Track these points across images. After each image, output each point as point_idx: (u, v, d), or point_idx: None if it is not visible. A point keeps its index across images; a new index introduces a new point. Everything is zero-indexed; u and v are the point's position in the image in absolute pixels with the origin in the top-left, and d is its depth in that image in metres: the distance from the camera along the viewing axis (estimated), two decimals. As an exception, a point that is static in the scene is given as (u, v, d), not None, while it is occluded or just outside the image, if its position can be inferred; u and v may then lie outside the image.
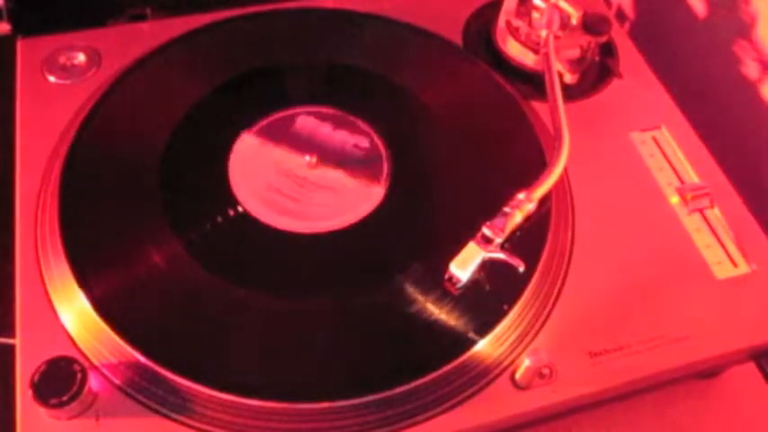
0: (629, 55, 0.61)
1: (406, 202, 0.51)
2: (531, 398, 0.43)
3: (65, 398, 0.39)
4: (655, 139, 0.56)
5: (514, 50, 0.58)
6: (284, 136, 0.53)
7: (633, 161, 0.54)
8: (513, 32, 0.58)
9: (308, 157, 0.52)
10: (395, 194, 0.51)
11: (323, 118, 0.54)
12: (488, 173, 0.52)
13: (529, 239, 0.47)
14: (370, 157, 0.53)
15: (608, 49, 0.61)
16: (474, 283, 0.45)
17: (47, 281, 0.45)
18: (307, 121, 0.54)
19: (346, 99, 0.56)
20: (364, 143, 0.53)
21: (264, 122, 0.53)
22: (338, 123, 0.54)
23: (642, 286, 0.48)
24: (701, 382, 0.53)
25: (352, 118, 0.54)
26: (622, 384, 0.45)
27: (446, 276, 0.45)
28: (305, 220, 0.49)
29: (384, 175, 0.52)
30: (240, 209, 0.49)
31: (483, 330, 0.44)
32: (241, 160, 0.51)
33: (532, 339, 0.45)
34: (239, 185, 0.50)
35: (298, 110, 0.55)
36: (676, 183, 0.53)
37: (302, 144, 0.53)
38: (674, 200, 0.52)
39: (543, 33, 0.56)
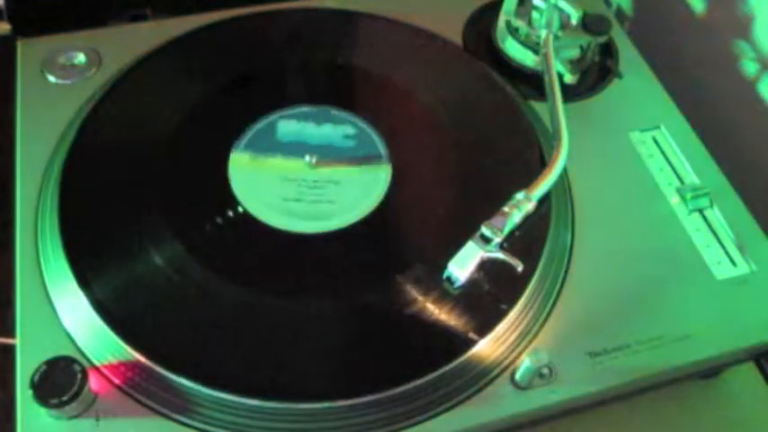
0: (629, 55, 0.61)
1: (406, 202, 0.51)
2: (531, 398, 0.43)
3: (65, 398, 0.39)
4: (654, 139, 0.56)
5: (514, 50, 0.58)
6: (274, 143, 0.53)
7: (633, 161, 0.54)
8: (513, 32, 0.58)
9: (307, 158, 0.52)
10: (395, 194, 0.51)
11: (301, 117, 0.54)
12: (488, 173, 0.52)
13: (529, 239, 0.47)
14: (362, 141, 0.53)
15: (608, 49, 0.61)
16: (474, 283, 0.45)
17: (47, 281, 0.45)
18: (287, 124, 0.54)
19: (346, 99, 0.56)
20: (351, 130, 0.53)
21: (250, 136, 0.53)
22: (319, 119, 0.54)
23: (642, 286, 0.48)
24: (701, 382, 0.53)
25: (330, 110, 0.55)
26: (622, 384, 0.45)
27: (444, 276, 0.45)
28: (329, 219, 0.49)
29: (383, 152, 0.52)
30: (240, 209, 0.49)
31: (483, 330, 0.44)
32: (244, 181, 0.51)
33: (532, 339, 0.45)
34: (256, 205, 0.49)
35: (274, 116, 0.54)
36: (676, 183, 0.53)
37: (294, 148, 0.53)
38: (674, 200, 0.52)
39: (543, 33, 0.56)
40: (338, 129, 0.54)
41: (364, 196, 0.50)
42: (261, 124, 0.54)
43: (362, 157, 0.52)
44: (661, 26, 0.73)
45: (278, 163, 0.52)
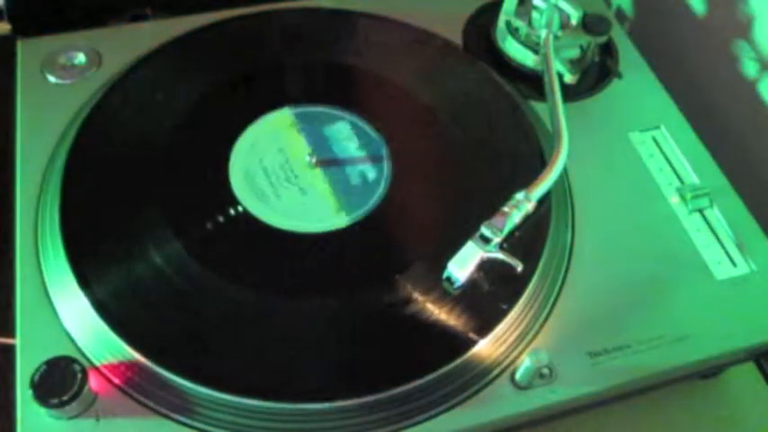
0: (629, 55, 0.61)
1: (406, 202, 0.51)
2: (531, 398, 0.43)
3: (65, 398, 0.39)
4: (654, 139, 0.56)
5: (514, 50, 0.58)
6: (313, 129, 0.53)
7: (633, 161, 0.54)
8: (513, 32, 0.58)
9: (308, 157, 0.52)
10: (395, 194, 0.51)
11: (357, 131, 0.54)
12: (488, 173, 0.52)
13: (529, 239, 0.47)
14: (364, 190, 0.51)
15: (608, 49, 0.61)
16: (474, 283, 0.45)
17: (47, 281, 0.45)
18: (341, 127, 0.54)
19: (345, 99, 0.56)
20: (371, 175, 0.52)
21: (311, 110, 0.54)
22: (364, 144, 0.53)
23: (642, 286, 0.48)
24: (701, 382, 0.53)
25: (383, 147, 0.53)
26: (622, 384, 0.45)
27: (444, 276, 0.45)
28: (267, 207, 0.49)
29: (358, 213, 0.50)
30: (241, 208, 0.49)
31: (483, 330, 0.44)
32: (262, 128, 0.53)
33: (532, 339, 0.45)
34: (242, 148, 0.51)
35: (339, 113, 0.55)
36: (676, 183, 0.53)
37: (318, 143, 0.53)
38: (674, 200, 0.52)
39: (543, 33, 0.56)
40: (366, 164, 0.52)
41: (301, 219, 0.49)
42: (329, 110, 0.55)
43: (346, 196, 0.50)
44: (661, 26, 0.73)
45: (296, 139, 0.53)
